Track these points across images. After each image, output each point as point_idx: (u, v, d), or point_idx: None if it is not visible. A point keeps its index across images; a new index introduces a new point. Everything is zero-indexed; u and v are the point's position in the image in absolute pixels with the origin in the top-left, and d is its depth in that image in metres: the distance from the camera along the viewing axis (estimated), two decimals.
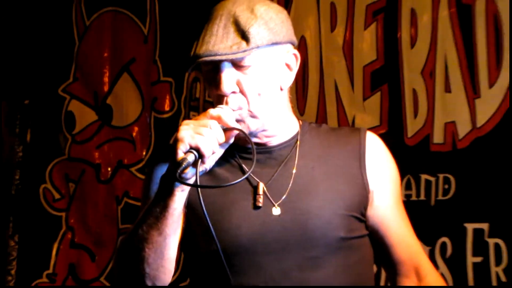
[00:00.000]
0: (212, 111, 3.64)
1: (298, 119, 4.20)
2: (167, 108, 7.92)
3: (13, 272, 8.14)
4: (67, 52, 8.19)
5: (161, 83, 8.02)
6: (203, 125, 3.59)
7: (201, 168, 3.54)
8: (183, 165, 3.46)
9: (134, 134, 8.00)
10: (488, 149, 6.81)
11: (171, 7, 8.01)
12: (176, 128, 7.06)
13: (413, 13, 7.15)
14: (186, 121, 3.70)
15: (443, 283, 4.43)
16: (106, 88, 8.09)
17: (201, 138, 3.53)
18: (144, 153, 8.10)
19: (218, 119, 3.60)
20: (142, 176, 7.92)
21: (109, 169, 8.15)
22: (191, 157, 3.49)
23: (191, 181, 3.57)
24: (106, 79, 8.07)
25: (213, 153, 3.59)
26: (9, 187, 8.28)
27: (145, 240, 3.71)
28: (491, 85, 6.89)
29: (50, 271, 8.12)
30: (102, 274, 8.03)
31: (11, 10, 8.51)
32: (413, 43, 7.17)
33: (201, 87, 7.70)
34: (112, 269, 7.93)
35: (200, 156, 3.51)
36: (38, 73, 8.42)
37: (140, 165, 8.10)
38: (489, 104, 6.81)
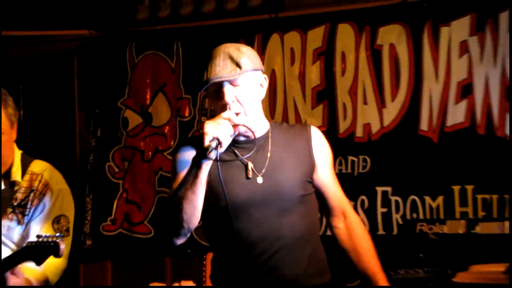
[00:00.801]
0: (224, 114, 4.17)
1: (269, 120, 4.75)
2: (187, 114, 8.07)
3: (88, 218, 8.28)
4: (123, 79, 8.35)
5: (183, 99, 8.17)
6: (219, 123, 4.10)
7: (220, 150, 4.05)
8: (210, 149, 3.99)
9: (165, 131, 8.18)
10: (391, 140, 7.40)
11: (189, 50, 8.09)
12: (192, 128, 7.56)
13: (343, 54, 7.60)
14: (207, 121, 4.19)
15: (360, 221, 4.82)
16: (148, 102, 8.23)
17: (219, 131, 4.04)
18: (172, 143, 8.21)
19: (228, 119, 4.13)
20: (170, 158, 7.99)
21: (150, 153, 8.25)
22: (214, 144, 4.00)
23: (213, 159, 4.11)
24: (148, 96, 8.21)
25: (226, 141, 4.15)
26: (86, 165, 8.52)
27: (183, 197, 4.14)
28: (392, 100, 7.40)
29: (112, 217, 8.29)
30: (145, 219, 8.19)
31: (92, 55, 8.58)
32: (343, 73, 7.60)
33: (209, 102, 7.77)
34: (154, 216, 8.34)
35: (219, 143, 4.03)
36: (105, 92, 8.46)
37: (169, 151, 8.17)
38: (391, 112, 7.37)
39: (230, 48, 4.46)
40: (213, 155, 4.09)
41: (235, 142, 4.43)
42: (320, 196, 4.68)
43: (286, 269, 4.36)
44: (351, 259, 4.67)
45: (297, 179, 4.48)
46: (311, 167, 4.56)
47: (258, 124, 4.50)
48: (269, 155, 4.49)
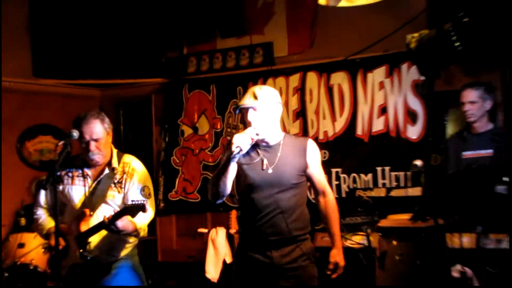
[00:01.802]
0: (246, 130, 4.40)
1: (285, 131, 4.95)
2: (219, 127, 8.11)
3: (161, 190, 8.25)
4: (181, 106, 8.32)
5: (216, 118, 8.15)
6: (242, 137, 4.28)
7: (241, 153, 4.24)
8: (234, 153, 4.19)
9: (206, 137, 8.20)
10: (340, 140, 7.44)
11: (219, 89, 8.13)
12: (221, 136, 7.45)
13: (310, 90, 7.60)
14: (236, 134, 4.37)
15: (333, 198, 4.76)
16: (195, 120, 8.21)
17: (242, 142, 4.23)
18: (210, 144, 8.24)
19: (249, 135, 4.32)
20: (210, 153, 8.25)
21: (197, 151, 8.21)
22: (237, 150, 4.18)
23: (237, 158, 4.28)
24: (195, 117, 8.21)
25: (247, 147, 4.30)
26: (159, 158, 8.47)
27: (219, 178, 4.33)
28: (340, 116, 7.42)
29: (175, 189, 8.28)
30: (195, 190, 8.15)
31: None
32: (311, 101, 7.57)
33: (234, 119, 8.06)
34: (203, 187, 8.13)
35: (241, 150, 4.21)
36: (171, 115, 8.36)
37: (208, 149, 8.25)
38: (340, 123, 7.41)
39: (255, 87, 4.60)
40: (237, 156, 4.31)
41: (260, 146, 4.60)
42: (310, 181, 4.73)
43: (281, 224, 4.47)
44: (324, 218, 4.77)
45: (292, 173, 4.57)
46: (304, 166, 4.62)
47: (273, 134, 4.62)
48: (279, 155, 4.57)
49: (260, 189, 4.56)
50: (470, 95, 5.63)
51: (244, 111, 4.53)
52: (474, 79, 5.82)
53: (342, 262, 4.63)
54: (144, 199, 4.65)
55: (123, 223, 4.53)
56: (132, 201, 4.59)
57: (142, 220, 4.79)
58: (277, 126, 4.68)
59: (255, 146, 4.61)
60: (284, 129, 7.56)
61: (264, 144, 4.64)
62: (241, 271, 4.68)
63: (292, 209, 4.56)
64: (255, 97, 4.51)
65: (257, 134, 4.46)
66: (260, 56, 7.95)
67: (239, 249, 4.78)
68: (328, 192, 4.77)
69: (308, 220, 4.69)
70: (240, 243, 4.79)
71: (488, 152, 5.64)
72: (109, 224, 4.50)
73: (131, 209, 4.51)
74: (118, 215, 4.50)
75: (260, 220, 4.54)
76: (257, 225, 4.57)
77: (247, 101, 4.55)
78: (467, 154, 5.78)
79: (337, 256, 4.64)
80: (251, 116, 4.51)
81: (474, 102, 5.61)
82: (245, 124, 4.56)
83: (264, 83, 7.77)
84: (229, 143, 4.40)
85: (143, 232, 4.88)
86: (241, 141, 4.32)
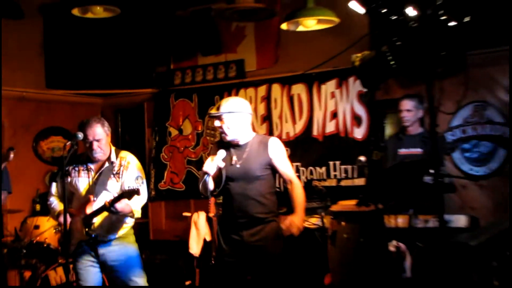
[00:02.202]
0: (215, 159, 4.51)
1: (254, 131, 4.94)
2: (200, 129, 8.02)
3: (152, 180, 8.42)
4: (168, 112, 8.24)
5: (198, 121, 8.06)
6: (209, 165, 4.49)
7: (210, 175, 4.50)
8: (205, 176, 4.48)
9: (190, 137, 8.13)
10: (299, 140, 7.43)
11: (201, 98, 8.11)
12: (202, 136, 7.25)
13: (275, 99, 7.60)
14: (206, 162, 4.60)
15: (299, 185, 4.76)
16: (180, 123, 8.15)
17: (210, 168, 4.46)
18: (193, 143, 8.20)
19: (215, 163, 4.48)
20: (193, 151, 8.23)
21: (182, 148, 8.18)
22: (206, 176, 4.46)
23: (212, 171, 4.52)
24: (180, 120, 8.12)
25: (213, 172, 4.50)
26: (151, 154, 8.36)
27: (203, 186, 4.48)
28: (300, 120, 7.41)
29: (164, 180, 8.39)
30: (180, 181, 8.26)
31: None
32: (275, 108, 7.60)
33: (212, 122, 7.66)
34: (187, 179, 8.18)
35: (209, 174, 4.45)
36: (160, 119, 8.30)
37: (191, 147, 8.21)
38: (299, 126, 7.42)
39: (224, 100, 4.70)
40: (207, 178, 4.51)
41: (231, 146, 4.65)
42: (278, 173, 4.72)
43: (250, 210, 4.54)
44: (292, 201, 4.71)
45: (257, 167, 4.59)
46: (267, 160, 4.61)
47: (242, 136, 4.65)
48: (246, 152, 4.62)
49: (231, 180, 4.61)
50: (407, 105, 5.79)
51: (212, 119, 4.64)
52: (407, 90, 5.96)
53: (299, 224, 4.58)
54: (138, 185, 4.72)
55: (121, 205, 4.61)
56: (128, 187, 4.69)
57: (137, 204, 4.83)
58: (246, 129, 4.68)
59: (229, 146, 4.66)
60: (254, 130, 7.62)
61: (235, 144, 4.67)
62: (220, 245, 4.72)
63: (259, 197, 4.57)
64: (218, 109, 4.59)
65: (221, 163, 4.54)
66: (233, 70, 7.94)
67: (219, 228, 4.81)
68: (294, 181, 4.73)
69: (274, 205, 4.70)
70: (219, 224, 4.86)
71: (419, 150, 5.71)
72: (109, 206, 4.59)
73: (127, 193, 4.57)
74: (117, 199, 4.59)
75: (232, 206, 4.62)
76: (230, 210, 4.66)
77: (220, 108, 4.59)
78: (402, 151, 5.83)
79: (294, 218, 4.59)
80: (216, 123, 4.63)
81: (410, 111, 5.78)
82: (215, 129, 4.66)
83: (237, 93, 7.78)
84: (204, 173, 4.55)
85: (138, 214, 4.91)
86: (209, 168, 4.50)
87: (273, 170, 4.71)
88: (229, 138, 4.63)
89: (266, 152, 4.63)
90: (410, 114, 5.77)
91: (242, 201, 4.57)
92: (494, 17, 5.80)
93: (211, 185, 4.60)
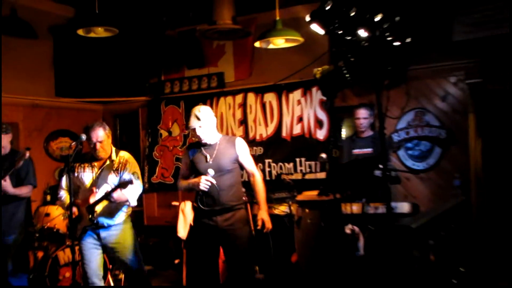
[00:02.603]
0: (202, 181, 4.45)
1: (220, 132, 4.95)
2: (186, 132, 7.83)
3: (146, 175, 8.35)
4: (159, 116, 8.19)
5: (184, 125, 7.03)
6: (204, 184, 4.43)
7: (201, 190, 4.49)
8: (198, 194, 4.54)
9: (178, 138, 8.07)
10: (270, 140, 7.40)
11: (187, 104, 7.97)
12: (188, 137, 7.15)
13: (250, 105, 7.58)
14: (202, 180, 4.48)
15: (260, 178, 4.80)
16: (170, 126, 8.17)
17: (200, 187, 4.42)
18: (181, 143, 8.12)
19: (204, 183, 4.43)
20: (181, 150, 8.09)
21: (171, 147, 8.22)
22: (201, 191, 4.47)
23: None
24: (170, 124, 8.11)
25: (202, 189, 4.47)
26: (145, 153, 8.33)
27: (187, 190, 4.68)
28: (271, 123, 7.40)
29: (156, 174, 8.34)
30: (170, 175, 8.24)
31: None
32: (250, 113, 7.55)
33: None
34: (175, 173, 8.02)
35: (197, 188, 4.46)
36: (152, 122, 8.36)
37: (179, 147, 8.07)
38: (270, 128, 7.38)
39: (195, 110, 4.63)
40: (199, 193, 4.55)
41: (204, 146, 4.65)
42: (243, 167, 4.74)
43: (222, 198, 4.53)
44: (254, 191, 4.80)
45: (226, 162, 4.60)
46: (235, 156, 4.64)
47: (212, 137, 4.65)
48: (216, 150, 4.61)
49: (203, 174, 4.55)
50: (363, 113, 5.88)
51: (193, 130, 4.61)
52: (360, 98, 6.05)
53: (266, 218, 4.66)
54: (133, 177, 4.74)
55: (117, 194, 4.67)
56: (123, 179, 4.72)
57: (133, 195, 4.86)
58: (214, 131, 4.70)
59: (201, 146, 4.68)
60: (233, 133, 7.65)
61: (206, 144, 4.67)
62: (196, 234, 4.75)
63: (228, 187, 4.58)
64: (198, 119, 4.57)
65: (200, 145, 4.65)
66: (215, 81, 7.89)
67: (195, 217, 4.82)
68: (256, 174, 4.76)
69: (242, 194, 4.76)
70: (195, 212, 4.82)
71: (369, 150, 5.78)
72: (108, 194, 4.66)
73: (122, 184, 4.62)
74: (114, 189, 4.66)
75: (207, 195, 4.57)
76: (204, 200, 4.61)
77: (193, 123, 4.60)
78: (356, 151, 5.87)
79: (262, 214, 4.66)
80: (198, 131, 4.60)
81: (365, 118, 5.87)
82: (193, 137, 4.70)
83: (218, 100, 7.80)
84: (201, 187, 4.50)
85: (134, 203, 4.94)
86: (199, 187, 4.48)
87: (240, 165, 4.72)
88: (204, 141, 4.64)
89: (234, 150, 4.65)
90: (366, 121, 5.87)
91: (215, 191, 4.53)
92: (431, 38, 5.95)
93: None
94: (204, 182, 4.44)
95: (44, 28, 7.49)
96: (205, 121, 4.59)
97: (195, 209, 4.85)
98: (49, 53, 7.75)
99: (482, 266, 6.46)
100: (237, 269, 4.63)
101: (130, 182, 4.63)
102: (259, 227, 4.66)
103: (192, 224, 6.88)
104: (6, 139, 5.53)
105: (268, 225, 4.66)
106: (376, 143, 5.65)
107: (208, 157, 4.63)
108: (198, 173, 4.62)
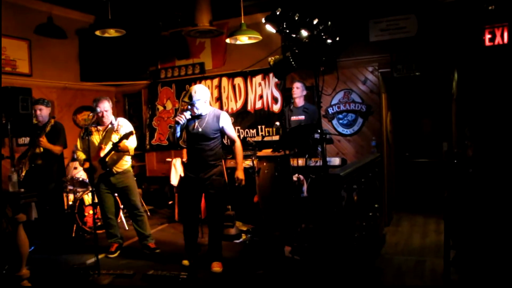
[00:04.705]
0: (184, 112, 4.36)
1: (212, 106, 4.85)
2: (176, 106, 7.81)
3: (147, 139, 8.08)
4: (156, 95, 7.97)
5: (175, 101, 7.87)
6: (180, 117, 4.33)
7: (181, 123, 4.34)
8: (176, 126, 4.32)
9: (170, 111, 7.85)
10: (239, 113, 7.20)
11: (178, 86, 7.84)
12: (178, 110, 7.19)
13: (223, 87, 7.34)
14: (178, 114, 4.35)
15: (239, 145, 4.58)
16: (164, 102, 7.90)
17: (180, 120, 4.30)
18: (172, 115, 7.87)
19: (184, 114, 4.34)
20: (172, 120, 7.85)
21: (165, 118, 7.96)
22: (178, 123, 4.29)
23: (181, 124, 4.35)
24: (164, 101, 7.94)
25: (182, 122, 4.35)
26: (147, 122, 8.14)
27: (171, 133, 4.49)
28: (239, 99, 7.28)
29: (154, 138, 8.07)
30: (165, 139, 7.98)
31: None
32: (224, 92, 7.34)
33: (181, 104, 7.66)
34: (169, 138, 7.89)
35: (178, 123, 4.30)
36: (152, 100, 8.10)
37: (171, 117, 7.85)
38: (238, 103, 7.24)
39: (194, 87, 4.45)
40: (177, 126, 4.35)
41: (196, 117, 4.47)
42: (226, 135, 4.56)
43: (205, 159, 4.41)
44: (234, 154, 4.62)
45: (211, 131, 4.43)
46: (218, 127, 4.45)
47: (204, 110, 4.46)
48: (205, 121, 4.44)
49: (193, 139, 4.47)
50: (297, 84, 5.75)
51: (192, 103, 4.43)
52: (302, 80, 5.95)
53: (242, 177, 4.54)
54: (130, 132, 4.77)
55: (122, 144, 4.74)
56: (125, 132, 4.75)
57: (131, 145, 4.91)
58: (207, 105, 4.53)
59: (195, 117, 4.50)
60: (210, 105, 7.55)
61: (200, 115, 4.51)
62: (184, 183, 4.66)
63: (210, 150, 4.47)
64: (190, 98, 4.42)
65: (191, 115, 4.44)
66: (198, 69, 7.71)
67: (184, 171, 4.71)
68: (236, 141, 4.61)
69: (220, 155, 4.56)
70: (184, 168, 4.75)
71: (302, 117, 5.68)
72: (116, 145, 4.71)
73: (126, 135, 4.70)
74: (120, 140, 4.71)
75: (193, 156, 4.48)
76: (192, 158, 4.52)
77: (186, 99, 4.47)
78: (293, 117, 5.73)
79: (238, 173, 4.54)
80: (197, 104, 4.43)
81: (298, 88, 5.75)
82: (192, 108, 4.46)
83: (200, 82, 7.54)
84: (176, 122, 4.38)
85: (131, 152, 4.97)
86: (179, 120, 4.36)
87: (222, 133, 4.57)
88: (197, 113, 4.48)
89: (218, 122, 4.49)
90: (298, 90, 5.73)
91: (200, 152, 4.44)
92: (354, 39, 6.07)
93: (177, 134, 4.42)
94: (179, 115, 4.34)
95: (72, 31, 7.53)
96: (200, 96, 4.45)
97: (184, 164, 4.77)
98: (76, 49, 7.69)
99: (392, 201, 6.64)
100: (213, 209, 4.56)
101: (131, 133, 4.70)
102: (236, 184, 4.51)
103: (182, 175, 6.85)
104: (46, 111, 5.54)
105: (242, 182, 4.53)
106: (307, 112, 5.60)
107: (198, 125, 4.47)
108: (188, 138, 4.52)
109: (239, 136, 7.37)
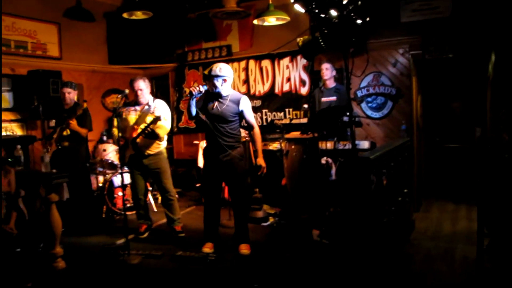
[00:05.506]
0: (199, 86, 4.21)
1: (234, 89, 4.79)
2: (203, 85, 7.90)
3: (175, 122, 8.12)
4: (183, 77, 8.04)
5: (202, 83, 8.02)
6: (194, 87, 4.18)
7: (195, 95, 4.18)
8: (190, 95, 4.17)
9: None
10: (266, 95, 6.98)
11: (204, 68, 7.78)
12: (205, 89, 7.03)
13: (251, 69, 7.36)
14: (192, 87, 4.19)
15: (258, 130, 4.56)
16: (192, 84, 7.44)
17: (193, 90, 4.15)
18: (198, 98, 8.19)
19: (199, 88, 4.20)
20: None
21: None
22: (191, 94, 4.15)
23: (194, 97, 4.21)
24: (192, 83, 7.89)
25: (197, 93, 4.21)
26: (175, 104, 8.14)
27: (188, 106, 4.27)
28: (266, 82, 7.25)
29: (182, 121, 8.11)
30: (192, 122, 7.52)
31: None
32: (251, 74, 7.32)
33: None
34: (196, 120, 8.35)
35: (192, 93, 4.15)
36: (179, 82, 8.12)
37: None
38: (266, 86, 7.15)
39: (215, 64, 4.36)
40: (193, 97, 4.23)
41: (216, 98, 4.38)
42: (245, 119, 4.48)
43: (224, 140, 4.31)
44: (252, 140, 4.60)
45: (230, 114, 4.34)
46: (237, 110, 4.36)
47: (225, 91, 4.37)
48: (226, 103, 4.35)
49: (213, 120, 4.36)
50: (326, 66, 5.70)
51: (211, 78, 4.35)
52: (331, 63, 5.89)
53: (263, 164, 4.50)
54: (163, 119, 4.79)
55: (150, 130, 4.73)
56: (154, 118, 4.72)
57: (161, 130, 4.86)
58: (228, 87, 4.43)
59: (216, 97, 4.41)
60: (239, 90, 7.57)
61: (220, 96, 4.42)
62: (205, 164, 4.59)
63: (229, 133, 4.39)
64: (218, 68, 4.34)
65: (203, 89, 4.31)
66: (225, 51, 7.68)
67: (204, 152, 4.63)
68: (255, 126, 4.56)
69: (239, 138, 4.47)
70: (204, 151, 4.70)
71: (333, 98, 5.62)
72: (143, 130, 4.73)
73: (153, 121, 4.69)
74: (147, 126, 4.71)
75: (212, 137, 4.41)
76: (210, 140, 4.46)
77: (211, 71, 4.37)
78: (323, 99, 5.69)
79: (259, 161, 4.50)
80: (216, 81, 4.34)
81: (327, 69, 5.72)
82: (211, 84, 4.39)
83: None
84: (189, 92, 4.23)
85: (161, 138, 4.96)
86: (194, 91, 4.21)
87: (240, 116, 4.46)
88: (215, 90, 4.37)
89: (238, 106, 4.40)
90: (328, 71, 5.70)
91: (218, 134, 4.35)
92: (385, 20, 5.98)
93: (193, 110, 4.31)
94: (193, 87, 4.23)
95: (100, 14, 7.54)
96: (221, 75, 4.35)
97: (204, 149, 4.74)
98: (104, 32, 7.72)
99: (421, 187, 6.55)
100: (235, 191, 4.52)
101: (159, 118, 4.65)
102: (259, 173, 4.47)
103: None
104: (74, 94, 5.62)
105: (263, 169, 4.48)
106: (339, 93, 5.54)
107: (217, 106, 4.38)
108: (207, 119, 4.39)
109: (266, 119, 7.44)
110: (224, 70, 4.35)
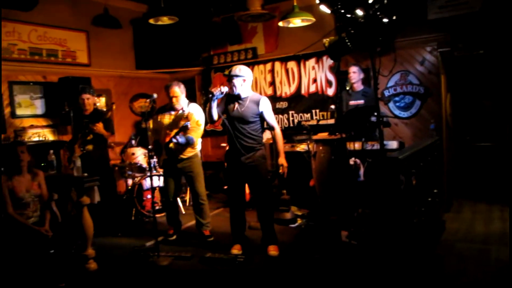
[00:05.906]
0: (220, 87, 4.24)
1: (260, 91, 4.78)
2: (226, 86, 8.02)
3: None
4: (210, 80, 8.09)
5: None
6: (215, 89, 4.21)
7: (214, 97, 4.22)
8: (212, 96, 4.21)
9: (224, 97, 7.95)
10: (293, 97, 6.81)
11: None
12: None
13: (277, 71, 7.34)
14: (213, 88, 4.23)
15: (279, 131, 4.49)
16: (219, 86, 8.01)
17: (216, 92, 4.20)
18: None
19: (220, 89, 4.23)
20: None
21: (219, 103, 8.29)
22: (212, 94, 4.17)
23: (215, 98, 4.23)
24: (218, 85, 7.58)
25: (219, 94, 4.25)
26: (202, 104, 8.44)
27: (208, 109, 4.31)
28: (292, 83, 7.22)
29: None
30: (219, 125, 7.82)
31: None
32: (277, 76, 7.33)
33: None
34: (223, 124, 7.48)
35: (212, 93, 4.19)
36: (206, 85, 8.13)
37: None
38: (292, 88, 7.04)
39: (235, 66, 4.38)
40: (214, 99, 4.27)
41: (236, 99, 4.39)
42: (266, 121, 4.45)
43: (245, 142, 4.33)
44: (273, 141, 4.59)
45: (250, 115, 4.33)
46: (257, 111, 4.34)
47: (245, 93, 4.37)
48: (245, 104, 4.35)
49: (233, 121, 4.38)
50: (353, 69, 5.65)
51: (231, 77, 4.37)
52: (358, 63, 5.85)
53: (285, 164, 4.43)
54: (196, 126, 4.86)
55: (179, 136, 4.76)
56: (182, 126, 4.74)
57: (191, 137, 4.86)
58: (247, 87, 4.43)
59: (236, 99, 4.42)
60: (265, 92, 7.58)
61: (240, 98, 4.42)
62: (228, 167, 4.59)
63: (250, 134, 4.38)
64: (237, 69, 4.36)
65: (224, 90, 4.32)
66: (250, 54, 7.69)
67: (226, 155, 4.63)
68: (276, 127, 4.52)
69: (260, 139, 4.45)
70: (225, 154, 4.71)
71: (361, 101, 5.58)
72: (173, 137, 4.74)
73: (182, 128, 4.74)
74: (177, 133, 4.75)
75: (233, 140, 4.39)
76: (232, 143, 4.44)
77: (231, 71, 4.38)
78: (351, 102, 5.63)
79: (281, 160, 4.44)
80: (235, 81, 4.35)
81: (355, 72, 5.65)
82: (232, 85, 4.40)
83: (252, 68, 7.50)
84: (210, 92, 4.26)
85: (195, 142, 4.96)
86: (216, 92, 4.25)
87: (261, 118, 4.44)
88: (235, 92, 4.39)
89: (258, 107, 4.38)
90: (355, 74, 5.64)
91: (239, 136, 4.36)
92: (412, 17, 5.88)
93: (214, 114, 4.36)
94: (214, 88, 4.23)
95: (126, 21, 7.67)
96: (240, 76, 4.36)
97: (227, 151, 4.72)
98: (130, 38, 7.84)
99: (452, 187, 6.43)
100: (258, 193, 4.51)
101: (186, 127, 4.68)
102: (280, 172, 4.42)
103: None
104: (92, 99, 5.57)
105: (285, 169, 4.42)
106: (366, 96, 5.48)
107: (238, 107, 4.38)
108: (227, 121, 4.42)
109: (293, 120, 7.44)
110: (243, 71, 4.36)
